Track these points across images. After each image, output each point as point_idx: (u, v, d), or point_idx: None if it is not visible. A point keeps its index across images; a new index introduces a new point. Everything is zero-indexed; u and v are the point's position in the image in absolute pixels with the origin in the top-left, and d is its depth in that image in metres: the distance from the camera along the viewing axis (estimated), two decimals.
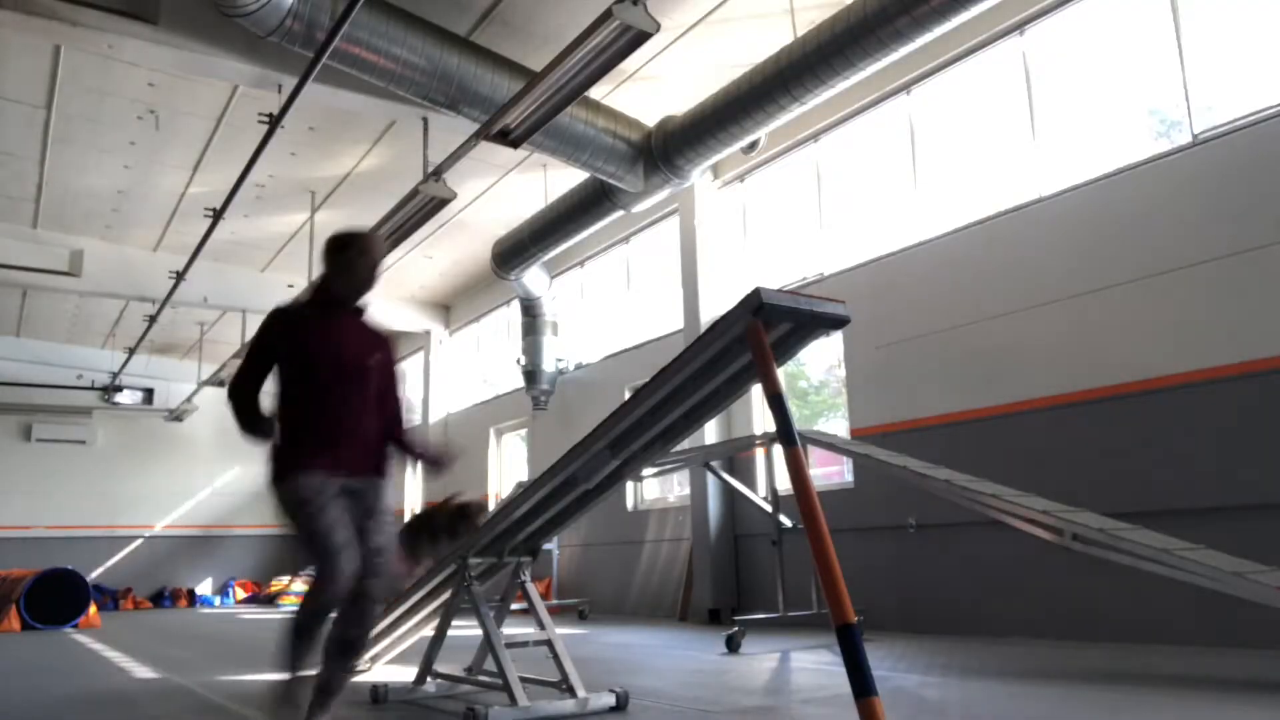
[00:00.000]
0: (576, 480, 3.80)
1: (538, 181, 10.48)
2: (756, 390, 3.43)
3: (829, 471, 8.35)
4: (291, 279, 12.83)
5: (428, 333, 15.41)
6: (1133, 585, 5.50)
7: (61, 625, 10.49)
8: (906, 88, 7.97)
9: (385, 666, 5.50)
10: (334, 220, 11.35)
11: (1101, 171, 6.47)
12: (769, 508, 7.07)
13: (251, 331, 13.22)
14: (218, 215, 9.26)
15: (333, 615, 3.12)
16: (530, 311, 11.97)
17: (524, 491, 3.98)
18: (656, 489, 10.66)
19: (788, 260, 9.17)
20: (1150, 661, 4.97)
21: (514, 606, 4.58)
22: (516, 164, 10.02)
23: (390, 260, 12.17)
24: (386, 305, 14.88)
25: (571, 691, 3.85)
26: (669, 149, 8.19)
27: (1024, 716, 3.48)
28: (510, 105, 6.69)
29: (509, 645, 3.96)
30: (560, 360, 12.05)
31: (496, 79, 7.35)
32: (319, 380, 3.23)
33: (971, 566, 6.88)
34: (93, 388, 16.76)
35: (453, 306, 15.46)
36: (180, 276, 11.02)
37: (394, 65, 6.92)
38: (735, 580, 9.09)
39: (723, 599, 8.95)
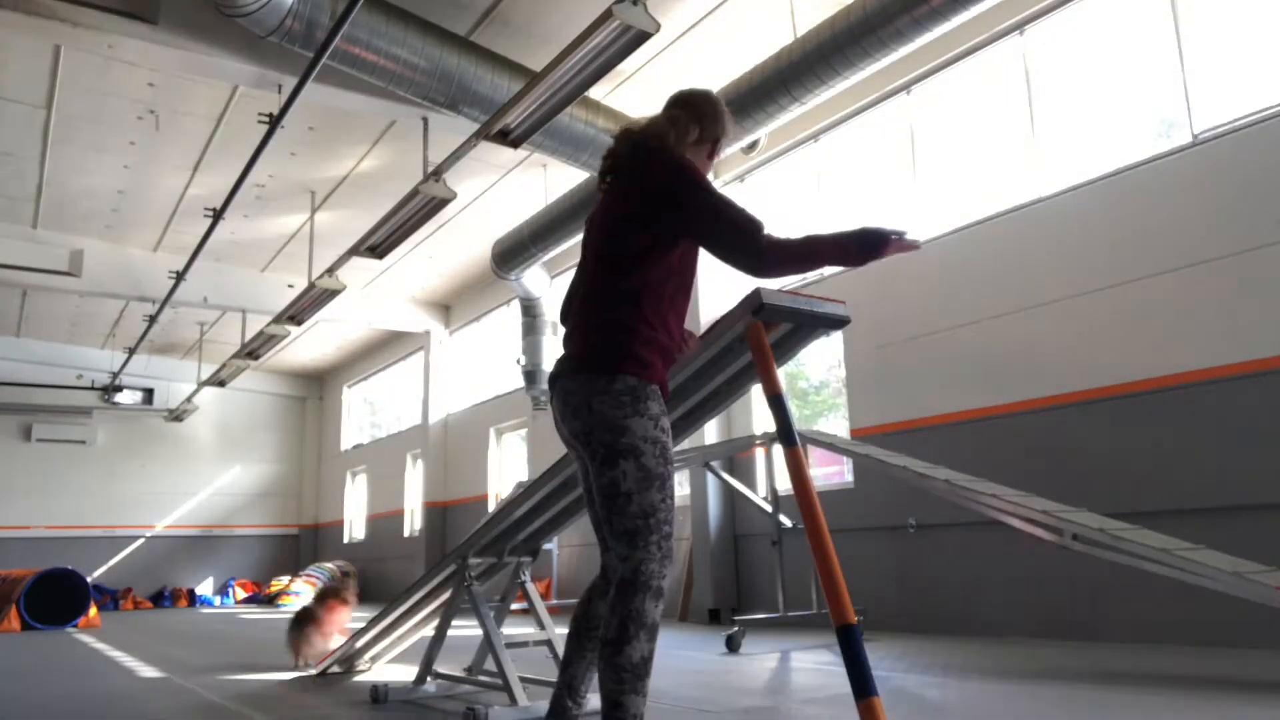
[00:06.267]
0: (576, 480, 3.80)
1: (538, 181, 10.48)
2: (756, 390, 3.43)
3: (829, 471, 8.35)
4: (291, 279, 12.83)
5: (428, 333, 15.40)
6: (1133, 585, 5.50)
7: (61, 625, 10.48)
8: (906, 88, 7.97)
9: (385, 666, 5.51)
10: (334, 220, 11.35)
11: (1101, 171, 6.47)
12: (769, 508, 7.07)
13: (252, 332, 13.24)
14: (218, 215, 9.26)
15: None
16: (530, 311, 11.96)
17: (524, 491, 3.98)
18: None
19: None
20: (1150, 661, 4.97)
21: (514, 606, 4.58)
22: (516, 164, 10.02)
23: (390, 260, 12.17)
24: (387, 305, 14.89)
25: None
26: None
27: (1024, 716, 3.48)
28: (510, 105, 6.69)
29: (509, 645, 3.96)
30: None
31: (496, 79, 7.35)
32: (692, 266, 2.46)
33: (971, 566, 6.88)
34: (93, 388, 16.76)
35: (453, 306, 15.45)
36: (180, 276, 11.02)
37: (394, 65, 6.91)
38: (735, 580, 9.09)
39: (723, 599, 8.95)
